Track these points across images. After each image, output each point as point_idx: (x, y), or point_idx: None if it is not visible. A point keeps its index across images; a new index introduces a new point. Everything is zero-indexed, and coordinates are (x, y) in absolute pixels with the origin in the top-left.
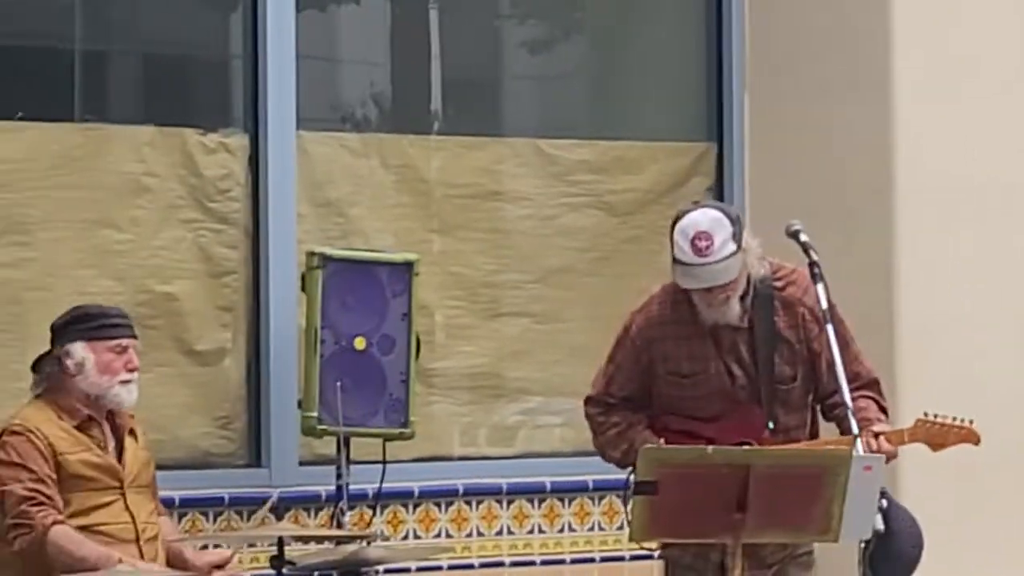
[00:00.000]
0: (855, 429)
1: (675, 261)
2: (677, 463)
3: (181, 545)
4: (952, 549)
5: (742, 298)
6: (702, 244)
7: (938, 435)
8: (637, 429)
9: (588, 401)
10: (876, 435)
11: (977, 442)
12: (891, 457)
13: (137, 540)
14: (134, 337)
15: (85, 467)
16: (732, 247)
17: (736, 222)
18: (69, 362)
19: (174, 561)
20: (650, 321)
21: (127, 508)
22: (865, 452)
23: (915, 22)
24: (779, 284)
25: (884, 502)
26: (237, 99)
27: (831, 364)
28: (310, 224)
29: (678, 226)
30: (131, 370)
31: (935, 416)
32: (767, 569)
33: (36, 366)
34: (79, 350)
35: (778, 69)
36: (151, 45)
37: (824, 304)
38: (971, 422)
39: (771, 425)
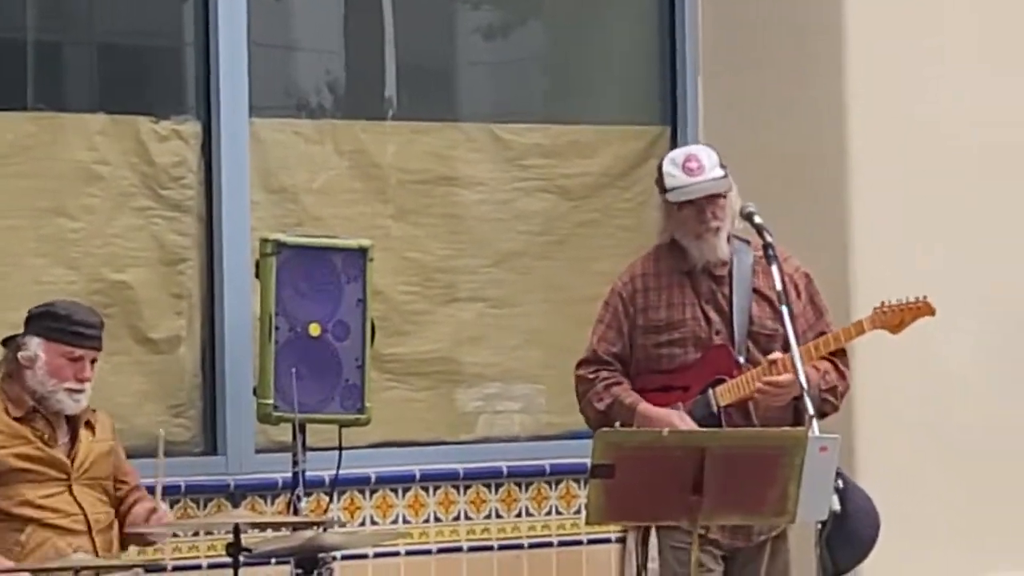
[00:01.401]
0: (811, 410)
1: (667, 190)
2: (632, 446)
3: None
4: (908, 529)
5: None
6: (693, 165)
7: (896, 316)
8: (623, 386)
9: (579, 364)
10: (772, 362)
11: (933, 313)
12: (788, 387)
13: (89, 531)
14: (96, 349)
15: (21, 460)
16: (720, 171)
17: (719, 156)
18: (21, 354)
19: None
20: (634, 275)
21: (75, 500)
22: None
23: None
24: (758, 254)
25: (840, 483)
26: (189, 86)
27: (798, 337)
28: (264, 211)
29: (666, 160)
30: (81, 380)
31: (890, 302)
32: (757, 537)
33: (5, 343)
34: (34, 346)
35: (731, 51)
36: (103, 33)
37: (779, 286)
38: (924, 298)
39: (742, 360)
